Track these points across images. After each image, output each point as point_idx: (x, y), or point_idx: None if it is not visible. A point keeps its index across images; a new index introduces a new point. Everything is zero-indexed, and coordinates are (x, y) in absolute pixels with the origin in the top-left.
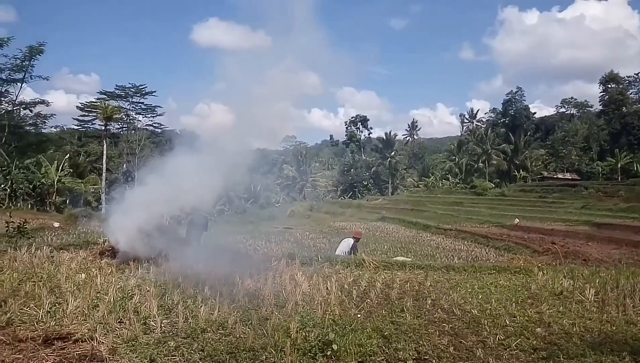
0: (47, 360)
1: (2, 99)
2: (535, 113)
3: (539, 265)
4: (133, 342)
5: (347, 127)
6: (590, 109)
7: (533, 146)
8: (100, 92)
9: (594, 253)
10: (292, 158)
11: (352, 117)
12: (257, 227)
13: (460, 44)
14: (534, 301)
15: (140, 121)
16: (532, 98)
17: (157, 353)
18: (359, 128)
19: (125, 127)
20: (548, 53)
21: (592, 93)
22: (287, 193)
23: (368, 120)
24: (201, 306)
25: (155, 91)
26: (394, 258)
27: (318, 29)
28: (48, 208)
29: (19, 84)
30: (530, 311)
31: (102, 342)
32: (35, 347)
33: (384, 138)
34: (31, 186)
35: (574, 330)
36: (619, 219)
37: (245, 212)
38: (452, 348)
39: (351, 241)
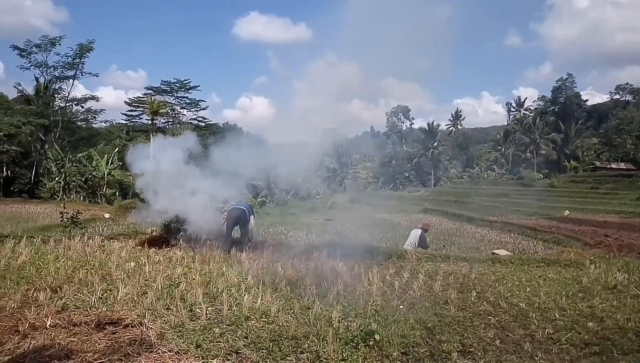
0: (100, 344)
1: (56, 95)
2: (587, 100)
3: (591, 257)
4: (180, 328)
5: (388, 118)
6: None
7: (585, 135)
8: (147, 88)
9: None
10: (332, 150)
11: (393, 108)
12: (298, 218)
13: (507, 31)
14: (585, 295)
15: (185, 115)
16: (584, 85)
17: (203, 340)
18: (400, 119)
19: (170, 121)
20: (601, 37)
21: None
22: (327, 185)
23: (409, 110)
24: (245, 295)
25: (199, 86)
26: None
27: (358, 19)
28: (99, 200)
29: (71, 81)
30: (582, 305)
31: (151, 328)
32: (89, 330)
33: (427, 128)
34: (83, 179)
35: (629, 325)
36: None
37: (287, 204)
38: (498, 341)
39: (419, 231)
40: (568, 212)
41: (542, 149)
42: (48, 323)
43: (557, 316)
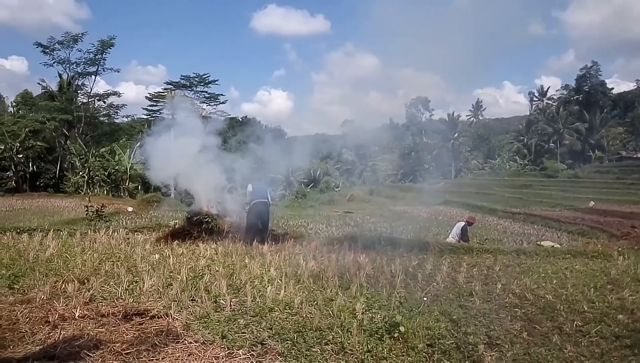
0: (127, 334)
1: (79, 91)
2: (612, 89)
3: (619, 249)
4: (205, 319)
5: (407, 110)
6: None
7: (610, 124)
8: (167, 83)
9: None
10: (351, 142)
11: (412, 99)
12: (317, 211)
13: (528, 18)
14: (614, 287)
15: (204, 109)
16: (609, 73)
17: (228, 330)
18: (419, 110)
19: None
20: (626, 24)
21: None
22: (346, 178)
23: (429, 101)
24: (268, 287)
25: (217, 80)
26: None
27: (376, 10)
28: (122, 194)
29: (93, 77)
30: (611, 298)
31: (177, 319)
32: (116, 321)
33: (447, 119)
34: (106, 173)
35: None
36: None
37: (306, 196)
38: (526, 333)
39: (462, 224)
40: (593, 203)
41: (566, 139)
42: (77, 314)
43: (586, 308)
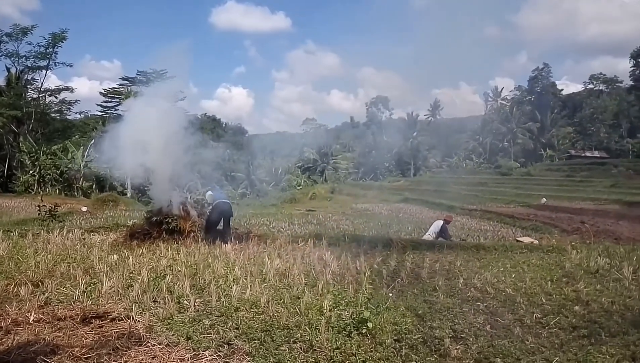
0: (87, 338)
1: (28, 86)
2: (562, 90)
3: (573, 243)
4: (169, 320)
5: (367, 109)
6: (620, 84)
7: (560, 124)
8: (123, 78)
9: (625, 232)
10: (312, 141)
11: (372, 98)
12: (279, 209)
13: (483, 21)
14: (569, 279)
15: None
16: (559, 75)
17: (193, 331)
18: (379, 109)
19: None
20: (575, 28)
21: (621, 68)
22: (308, 176)
23: (389, 101)
24: (233, 286)
25: (176, 76)
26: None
27: (337, 9)
28: (75, 193)
29: (44, 72)
30: (567, 290)
31: (139, 321)
32: (74, 325)
33: (406, 118)
34: (58, 172)
35: (614, 308)
36: None
37: (267, 195)
38: (489, 326)
39: (440, 223)
40: (545, 200)
41: (519, 138)
42: (31, 319)
43: (544, 300)
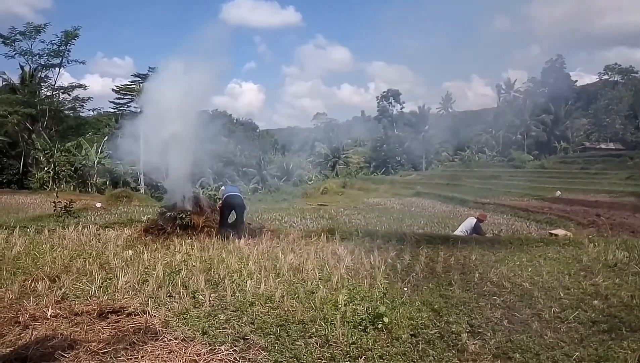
0: (104, 333)
1: (42, 84)
2: (576, 81)
3: (590, 236)
4: (184, 315)
5: (378, 103)
6: (636, 75)
7: (574, 116)
8: (134, 75)
9: None
10: (323, 135)
11: (383, 92)
12: (291, 205)
13: (496, 13)
14: (587, 273)
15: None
16: (573, 66)
17: (209, 326)
18: (390, 103)
19: None
20: (589, 18)
21: (637, 58)
22: (319, 170)
23: (400, 94)
24: (247, 281)
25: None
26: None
27: (347, 2)
28: (89, 189)
29: (57, 69)
30: (585, 284)
31: (154, 315)
32: (91, 320)
33: (417, 112)
34: (73, 168)
35: (634, 302)
36: None
37: (279, 190)
38: (506, 321)
39: (474, 220)
40: (559, 193)
41: (532, 130)
42: (49, 314)
43: (562, 295)
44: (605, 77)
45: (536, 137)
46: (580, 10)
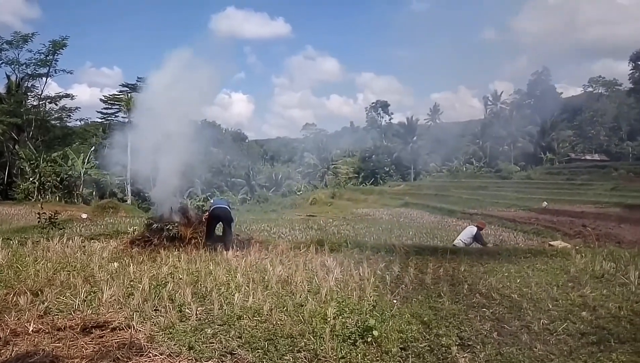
0: (87, 349)
1: (29, 93)
2: (562, 93)
3: (577, 247)
4: (170, 330)
5: (367, 113)
6: (620, 87)
7: (560, 127)
8: (123, 85)
9: (628, 235)
10: (313, 146)
11: (372, 103)
12: (280, 215)
13: (483, 25)
14: (575, 284)
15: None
16: (558, 78)
17: (195, 341)
18: (379, 114)
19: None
20: (574, 31)
21: (621, 71)
22: (308, 181)
23: (389, 105)
24: (235, 294)
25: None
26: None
27: (337, 14)
28: (75, 200)
29: (44, 79)
30: (573, 295)
31: (140, 330)
32: (74, 335)
33: (406, 122)
34: (58, 179)
35: (622, 313)
36: None
37: (268, 200)
38: (496, 333)
39: (474, 229)
40: (546, 203)
41: (519, 141)
42: (30, 329)
43: (550, 306)
44: (590, 89)
45: (522, 148)
46: (565, 23)
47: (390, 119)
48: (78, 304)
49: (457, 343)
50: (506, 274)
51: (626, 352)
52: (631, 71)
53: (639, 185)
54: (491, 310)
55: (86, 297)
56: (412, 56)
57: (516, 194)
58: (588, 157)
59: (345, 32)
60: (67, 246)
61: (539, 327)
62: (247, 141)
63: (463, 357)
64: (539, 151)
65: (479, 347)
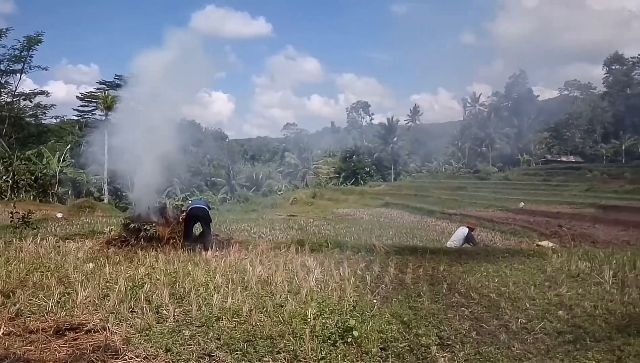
0: (60, 352)
1: (2, 90)
2: (538, 96)
3: (553, 247)
4: (147, 332)
5: (348, 114)
6: (594, 91)
7: (536, 129)
8: (100, 82)
9: (602, 235)
10: (293, 146)
11: (353, 104)
12: (260, 215)
13: (461, 28)
14: (551, 284)
15: (137, 110)
16: (535, 81)
17: (173, 343)
18: (360, 114)
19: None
20: (550, 36)
21: (595, 75)
22: (289, 181)
23: (369, 106)
24: (214, 294)
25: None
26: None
27: (319, 15)
28: (50, 199)
29: (18, 75)
30: (550, 294)
31: (115, 332)
32: (47, 338)
33: (386, 123)
34: (33, 177)
35: (597, 312)
36: (624, 201)
37: (248, 200)
38: (475, 333)
39: (466, 230)
40: (523, 204)
41: (497, 143)
42: (1, 332)
43: (528, 305)
44: (566, 92)
45: (500, 149)
46: (542, 28)
47: (371, 120)
48: (51, 306)
49: (436, 342)
50: (484, 273)
51: (601, 350)
52: (605, 75)
53: (613, 186)
54: (470, 310)
55: (60, 299)
56: (392, 58)
57: (494, 195)
58: (564, 159)
59: (326, 33)
60: (41, 247)
61: (517, 326)
62: (227, 140)
63: (442, 356)
64: (516, 153)
65: (458, 346)
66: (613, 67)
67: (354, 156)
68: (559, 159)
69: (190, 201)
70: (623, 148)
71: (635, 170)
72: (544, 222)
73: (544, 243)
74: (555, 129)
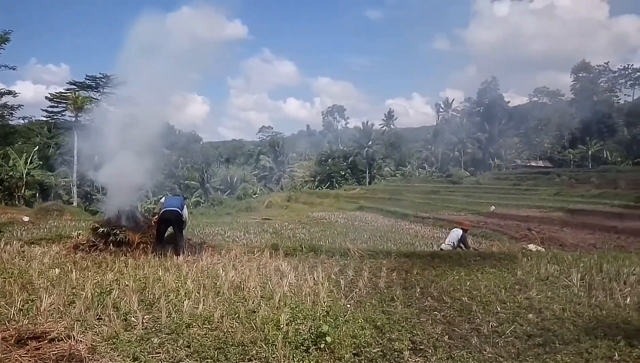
0: (22, 362)
1: None
2: (509, 102)
3: (523, 250)
4: (114, 340)
5: (324, 117)
6: (562, 98)
7: (507, 135)
8: (70, 83)
9: (569, 238)
10: (268, 149)
11: (328, 107)
12: (234, 218)
13: (435, 35)
14: (521, 287)
15: (112, 112)
16: (506, 87)
17: (140, 351)
18: (335, 118)
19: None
20: (520, 44)
21: (564, 82)
22: (264, 184)
23: (345, 110)
24: (184, 301)
25: (127, 81)
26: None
27: (295, 19)
28: (17, 202)
29: None
30: (520, 297)
31: (81, 341)
32: (7, 347)
33: (361, 127)
34: None
35: (565, 315)
36: (591, 205)
37: (222, 203)
38: (447, 337)
39: (460, 232)
40: (494, 207)
41: (469, 148)
42: None
43: (499, 309)
44: (535, 99)
45: (472, 154)
46: (513, 35)
47: (346, 124)
48: (13, 313)
49: (409, 347)
50: (457, 277)
51: (570, 353)
52: (573, 83)
53: (580, 191)
54: (442, 313)
55: (23, 306)
56: (368, 63)
57: (466, 199)
58: (533, 163)
59: (302, 36)
60: (5, 251)
61: (488, 330)
62: (201, 142)
63: (415, 361)
64: (487, 157)
65: (430, 350)
66: (580, 74)
67: (329, 160)
68: (528, 164)
69: (162, 200)
70: (590, 153)
71: (601, 175)
72: (514, 225)
73: (531, 246)
74: (525, 135)
